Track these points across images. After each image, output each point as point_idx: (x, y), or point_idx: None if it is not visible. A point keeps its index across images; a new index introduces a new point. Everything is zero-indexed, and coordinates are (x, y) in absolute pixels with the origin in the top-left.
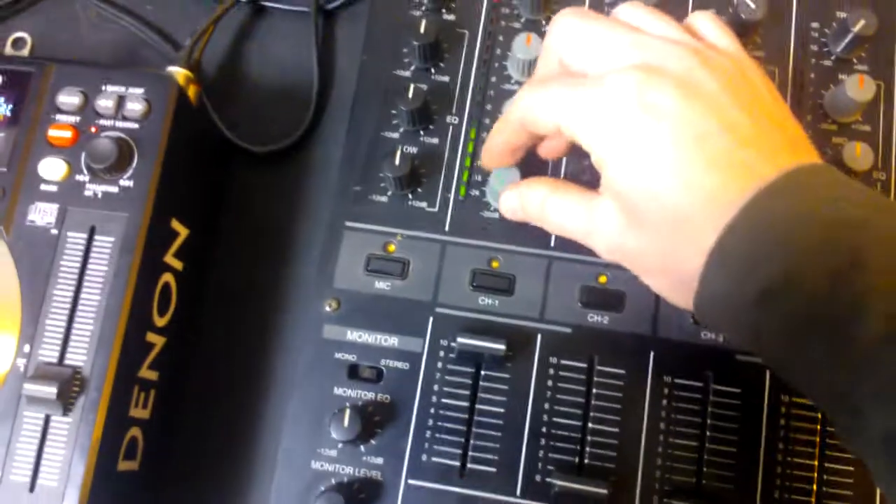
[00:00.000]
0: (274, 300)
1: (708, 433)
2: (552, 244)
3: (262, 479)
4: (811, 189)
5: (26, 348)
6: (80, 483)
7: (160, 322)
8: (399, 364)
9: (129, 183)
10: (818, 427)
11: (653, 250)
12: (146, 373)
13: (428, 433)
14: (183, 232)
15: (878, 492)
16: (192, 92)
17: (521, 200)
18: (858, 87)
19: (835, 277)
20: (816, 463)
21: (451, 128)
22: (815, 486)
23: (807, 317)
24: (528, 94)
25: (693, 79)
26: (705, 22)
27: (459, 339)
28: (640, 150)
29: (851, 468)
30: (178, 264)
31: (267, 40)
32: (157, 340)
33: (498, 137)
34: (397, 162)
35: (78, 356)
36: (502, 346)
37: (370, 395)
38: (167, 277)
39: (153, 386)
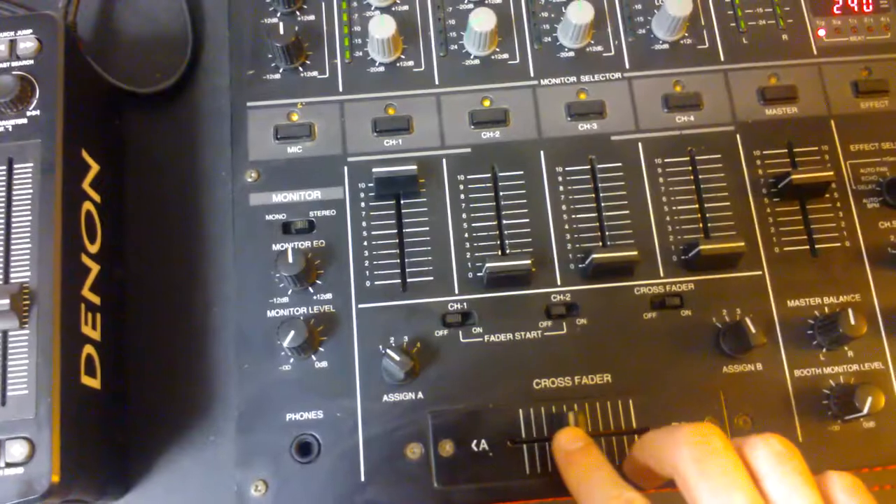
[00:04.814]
0: (191, 220)
1: (602, 204)
2: (437, 82)
3: (222, 376)
4: None
5: None
6: (51, 387)
7: (92, 248)
8: (326, 212)
9: (37, 112)
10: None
11: None
12: (89, 294)
13: (367, 262)
14: (94, 166)
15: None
16: None
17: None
18: None
19: None
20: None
21: (323, 3)
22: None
23: None
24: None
25: None
26: (842, 490)
27: (375, 170)
28: None
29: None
30: (95, 196)
31: None
32: (92, 266)
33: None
34: (282, 31)
35: (22, 274)
36: (413, 167)
37: (307, 244)
38: (88, 206)
39: (98, 309)
